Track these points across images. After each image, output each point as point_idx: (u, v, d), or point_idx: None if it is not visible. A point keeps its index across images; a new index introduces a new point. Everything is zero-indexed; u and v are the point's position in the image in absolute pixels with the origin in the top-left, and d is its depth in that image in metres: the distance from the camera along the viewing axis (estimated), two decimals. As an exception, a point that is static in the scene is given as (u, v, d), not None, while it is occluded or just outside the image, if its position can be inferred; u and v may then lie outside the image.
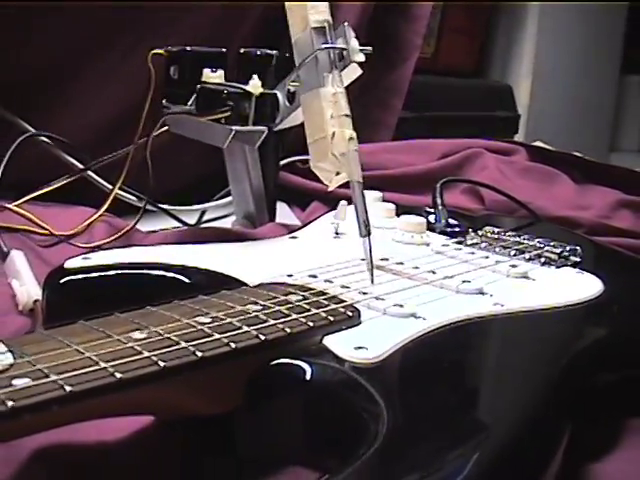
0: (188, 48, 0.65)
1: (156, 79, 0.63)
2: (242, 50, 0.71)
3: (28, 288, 0.55)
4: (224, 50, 0.67)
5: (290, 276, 0.48)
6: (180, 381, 0.34)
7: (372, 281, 0.48)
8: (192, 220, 0.83)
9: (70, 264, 0.50)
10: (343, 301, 0.43)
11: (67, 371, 0.31)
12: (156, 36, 0.76)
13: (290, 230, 0.70)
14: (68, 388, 0.30)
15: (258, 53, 0.70)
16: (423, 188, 0.91)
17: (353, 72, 0.54)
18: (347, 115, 0.51)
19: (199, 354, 0.34)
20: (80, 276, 0.49)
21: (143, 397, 0.34)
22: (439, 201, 0.74)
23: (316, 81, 0.52)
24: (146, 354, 0.33)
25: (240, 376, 0.36)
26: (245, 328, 0.37)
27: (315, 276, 0.48)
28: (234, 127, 0.60)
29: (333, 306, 0.42)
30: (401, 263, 0.54)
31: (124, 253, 0.51)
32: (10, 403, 0.29)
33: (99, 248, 0.63)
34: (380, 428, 0.32)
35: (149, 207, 0.76)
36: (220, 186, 0.88)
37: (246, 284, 0.47)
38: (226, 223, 0.83)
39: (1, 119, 0.74)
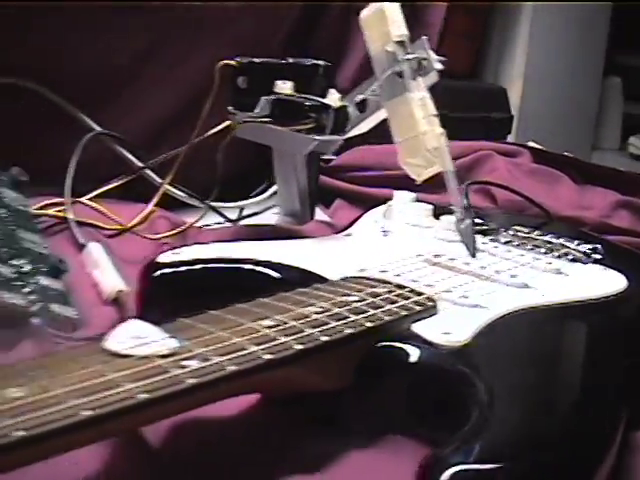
0: (257, 60, 0.71)
1: (219, 86, 0.69)
2: (290, 60, 0.76)
3: (111, 279, 0.61)
4: (291, 62, 0.73)
5: (362, 271, 0.54)
6: (309, 362, 0.40)
7: (474, 255, 0.55)
8: (231, 216, 0.88)
9: (162, 259, 0.55)
10: (422, 293, 0.49)
11: (225, 354, 0.37)
12: (204, 45, 0.81)
13: (333, 228, 0.77)
14: (231, 368, 0.36)
15: (307, 63, 0.76)
16: (437, 188, 0.97)
17: (433, 78, 0.61)
18: (435, 115, 0.58)
19: (325, 338, 0.40)
20: (172, 270, 0.55)
21: (278, 377, 0.39)
22: (466, 202, 0.80)
23: (399, 89, 0.59)
24: (283, 339, 0.39)
25: (352, 358, 0.42)
26: (353, 317, 0.43)
27: (385, 271, 0.54)
28: (317, 137, 0.66)
29: (416, 297, 0.48)
30: (453, 259, 0.60)
31: (212, 248, 0.57)
32: (191, 381, 0.34)
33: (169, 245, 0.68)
34: (480, 401, 0.38)
35: (193, 202, 0.82)
36: (252, 184, 0.94)
37: (326, 279, 0.52)
38: (263, 219, 0.89)
39: (69, 116, 0.79)
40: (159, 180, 0.78)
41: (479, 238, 0.70)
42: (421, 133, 0.58)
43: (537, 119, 1.73)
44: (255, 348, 0.38)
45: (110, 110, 0.82)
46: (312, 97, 0.68)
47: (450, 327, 0.45)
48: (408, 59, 0.60)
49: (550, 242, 0.69)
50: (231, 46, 0.83)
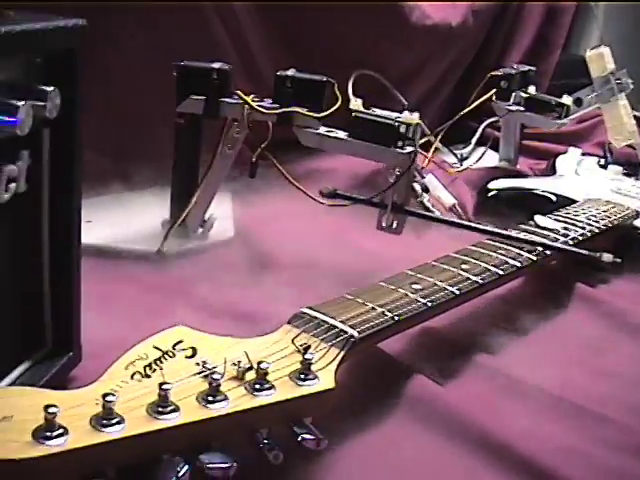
0: (513, 71, 1.24)
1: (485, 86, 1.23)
2: (516, 66, 1.29)
3: (447, 196, 1.15)
4: (533, 69, 1.26)
5: (591, 196, 1.09)
6: (600, 238, 0.95)
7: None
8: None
9: (492, 185, 1.10)
10: (630, 207, 1.04)
11: (585, 226, 0.92)
12: (444, 53, 1.37)
13: (529, 170, 1.32)
14: (589, 234, 0.91)
15: (525, 70, 1.29)
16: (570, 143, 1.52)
17: (628, 91, 1.15)
18: (631, 114, 1.12)
19: (610, 225, 0.95)
20: (496, 193, 1.10)
21: (593, 243, 0.94)
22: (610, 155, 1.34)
23: (610, 97, 1.12)
24: (594, 224, 0.94)
25: (613, 235, 0.97)
26: (613, 217, 0.98)
27: (599, 197, 1.09)
28: (558, 121, 1.20)
29: (629, 210, 1.03)
30: (629, 192, 1.14)
31: (511, 181, 1.12)
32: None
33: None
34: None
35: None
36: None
37: (577, 201, 1.07)
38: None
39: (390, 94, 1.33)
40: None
41: (630, 180, 1.25)
42: (625, 123, 1.13)
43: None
44: (583, 230, 0.93)
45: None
46: (552, 97, 1.22)
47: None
48: (617, 83, 1.14)
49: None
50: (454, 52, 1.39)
